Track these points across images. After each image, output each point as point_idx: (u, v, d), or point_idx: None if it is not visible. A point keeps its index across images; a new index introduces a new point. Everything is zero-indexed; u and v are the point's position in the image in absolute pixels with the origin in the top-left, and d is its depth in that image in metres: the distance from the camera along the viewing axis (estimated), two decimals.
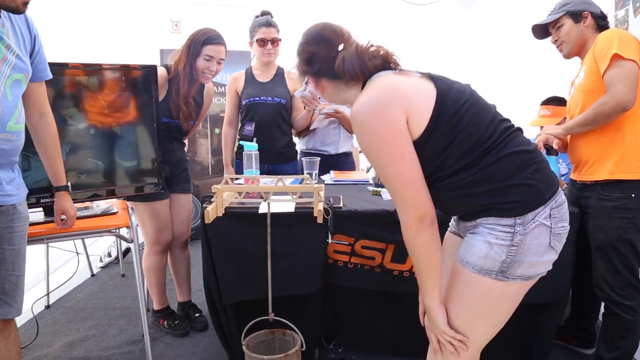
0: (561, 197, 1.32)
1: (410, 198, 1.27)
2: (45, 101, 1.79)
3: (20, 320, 2.62)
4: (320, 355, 2.38)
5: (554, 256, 1.32)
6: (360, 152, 4.00)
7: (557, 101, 2.76)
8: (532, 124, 2.70)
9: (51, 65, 1.84)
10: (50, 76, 1.79)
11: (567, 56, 2.17)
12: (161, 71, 2.46)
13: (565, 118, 2.41)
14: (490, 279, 1.29)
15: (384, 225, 2.06)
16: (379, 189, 2.37)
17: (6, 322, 1.72)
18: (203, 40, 2.45)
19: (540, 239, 1.26)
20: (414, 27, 4.37)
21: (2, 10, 1.57)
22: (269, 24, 2.78)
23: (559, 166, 2.56)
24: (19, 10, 1.54)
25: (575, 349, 2.43)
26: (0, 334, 1.69)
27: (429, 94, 1.29)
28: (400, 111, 1.25)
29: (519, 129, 1.36)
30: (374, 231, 2.08)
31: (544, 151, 2.19)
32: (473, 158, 1.27)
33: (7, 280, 1.66)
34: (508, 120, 1.36)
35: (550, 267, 1.34)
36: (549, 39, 2.21)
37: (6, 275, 1.66)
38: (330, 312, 2.31)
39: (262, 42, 2.77)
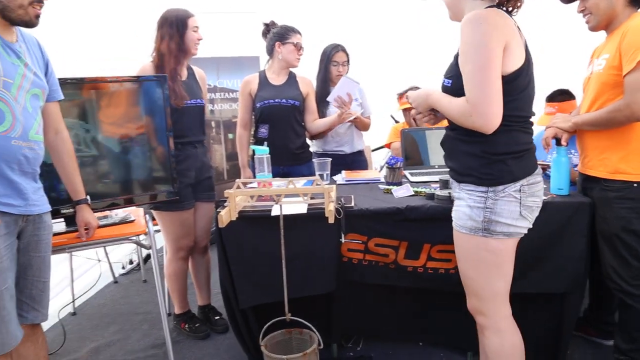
0: (536, 179, 1.61)
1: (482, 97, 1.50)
2: (60, 120, 1.89)
3: (47, 327, 2.74)
4: (339, 352, 2.41)
5: (528, 224, 1.63)
6: (372, 150, 4.02)
7: (562, 95, 2.73)
8: (539, 124, 2.67)
9: (69, 80, 1.94)
10: (62, 96, 1.88)
11: (593, 29, 2.04)
12: (148, 67, 2.52)
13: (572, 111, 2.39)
14: (479, 236, 1.60)
15: (396, 222, 2.08)
16: (390, 187, 2.39)
17: (34, 327, 1.81)
18: (185, 15, 2.53)
19: (510, 207, 1.56)
20: (417, 23, 4.34)
21: (19, 34, 1.66)
22: (300, 33, 2.87)
23: (570, 156, 2.54)
24: (32, 23, 1.64)
25: (595, 340, 2.42)
26: (29, 339, 1.77)
27: (521, 55, 1.51)
28: (501, 37, 1.46)
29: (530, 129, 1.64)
30: (386, 229, 2.10)
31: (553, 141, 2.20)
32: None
33: (34, 286, 1.75)
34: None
35: (525, 231, 1.63)
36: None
37: (33, 281, 1.74)
38: (347, 310, 2.34)
39: (298, 47, 2.85)
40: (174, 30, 2.50)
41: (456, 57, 1.56)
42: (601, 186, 1.98)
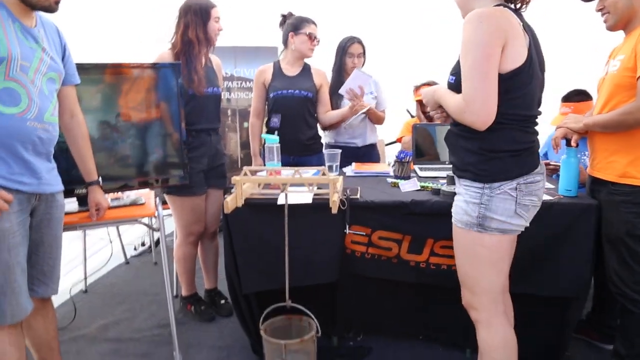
0: (535, 178, 1.60)
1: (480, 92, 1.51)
2: (75, 103, 1.94)
3: (59, 303, 2.83)
4: (339, 343, 2.45)
5: (524, 223, 1.64)
6: (386, 145, 4.02)
7: (578, 95, 2.70)
8: (553, 124, 2.65)
9: (90, 65, 2.05)
10: (79, 81, 1.94)
11: (611, 29, 2.01)
12: (166, 55, 2.56)
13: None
14: (474, 231, 1.62)
15: (401, 216, 2.10)
16: (398, 180, 2.41)
17: (44, 302, 1.89)
18: (208, 4, 2.57)
19: (505, 204, 1.57)
20: (437, 17, 4.29)
21: (38, 19, 1.71)
22: (316, 23, 2.89)
23: (584, 158, 2.52)
24: (52, 8, 1.70)
25: (596, 344, 2.41)
26: (39, 313, 1.85)
27: (522, 54, 1.51)
28: (501, 36, 1.46)
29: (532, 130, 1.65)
30: (390, 222, 2.12)
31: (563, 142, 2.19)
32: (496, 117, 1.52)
33: (45, 262, 1.82)
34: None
35: (522, 229, 1.65)
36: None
37: (44, 257, 1.81)
38: (349, 301, 2.36)
39: (312, 37, 2.86)
40: (199, 19, 2.54)
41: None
42: (608, 189, 1.97)
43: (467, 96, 1.51)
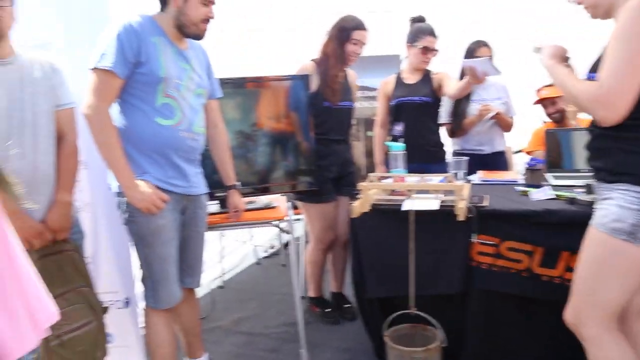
0: None
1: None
2: (218, 115, 2.16)
3: (200, 296, 3.12)
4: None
5: None
6: (514, 152, 3.83)
7: None
8: None
9: (231, 80, 2.30)
10: (221, 95, 2.15)
11: None
12: (309, 65, 2.73)
13: None
14: (620, 240, 1.45)
15: (532, 226, 2.00)
16: (528, 189, 2.29)
17: (190, 292, 2.12)
18: (352, 26, 2.67)
19: None
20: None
21: (189, 41, 1.95)
22: (434, 34, 2.88)
23: None
24: (201, 36, 1.92)
25: None
26: (186, 301, 2.08)
27: None
28: None
29: None
30: (520, 232, 2.02)
31: None
32: None
33: (191, 257, 2.05)
34: None
35: None
36: None
37: (190, 252, 2.04)
38: (477, 318, 2.22)
39: (426, 50, 2.86)
40: (339, 36, 2.68)
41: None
42: None
43: (608, 88, 1.40)
